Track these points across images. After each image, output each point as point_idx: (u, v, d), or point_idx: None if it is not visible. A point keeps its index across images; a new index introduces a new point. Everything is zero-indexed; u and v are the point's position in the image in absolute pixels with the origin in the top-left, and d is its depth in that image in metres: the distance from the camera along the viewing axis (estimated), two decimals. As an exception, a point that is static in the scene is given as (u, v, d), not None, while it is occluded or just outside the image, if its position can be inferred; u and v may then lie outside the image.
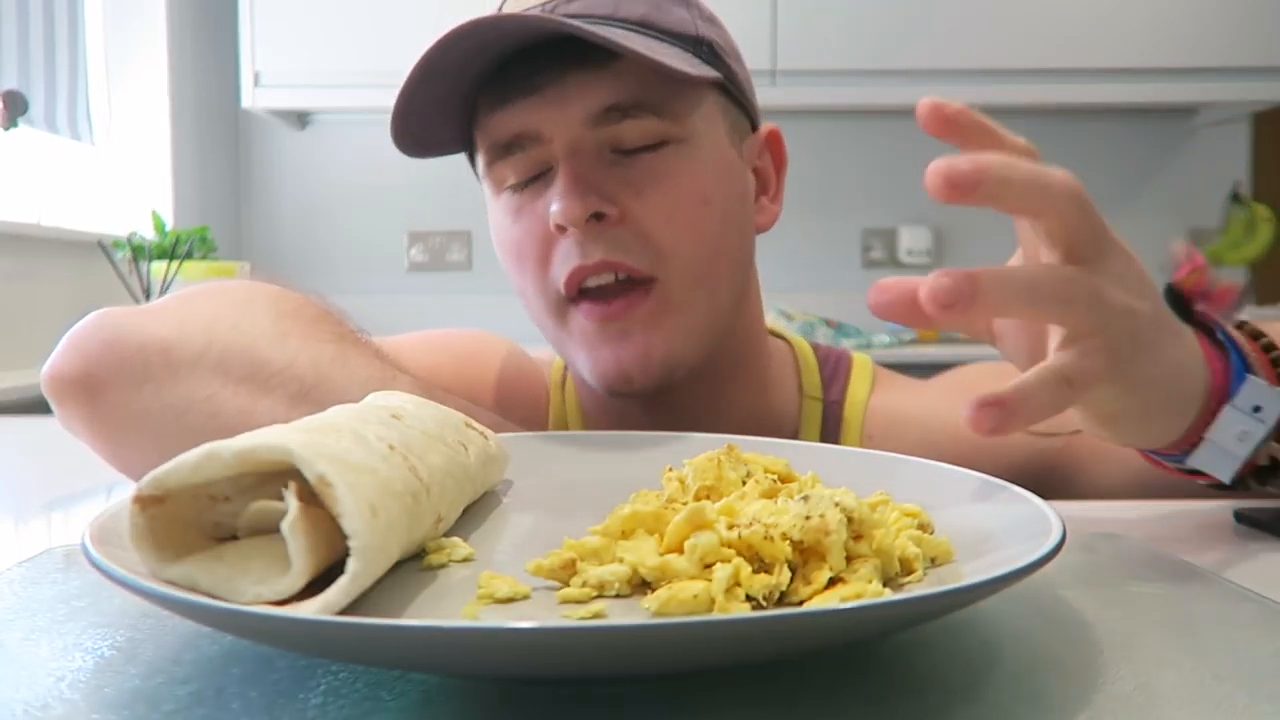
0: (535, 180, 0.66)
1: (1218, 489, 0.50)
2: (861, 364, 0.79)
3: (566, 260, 0.63)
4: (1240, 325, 0.50)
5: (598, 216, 0.62)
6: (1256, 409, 0.47)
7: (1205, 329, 0.49)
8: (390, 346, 0.74)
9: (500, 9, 0.66)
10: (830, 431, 0.75)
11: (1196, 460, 0.47)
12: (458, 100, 0.66)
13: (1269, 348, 0.49)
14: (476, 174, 0.73)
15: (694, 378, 0.69)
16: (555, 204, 0.62)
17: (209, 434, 0.57)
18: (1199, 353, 0.47)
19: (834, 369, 0.78)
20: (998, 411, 0.37)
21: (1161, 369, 0.44)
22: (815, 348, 0.81)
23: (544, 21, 0.58)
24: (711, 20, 0.69)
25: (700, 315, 0.66)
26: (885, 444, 0.72)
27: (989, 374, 0.78)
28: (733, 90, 0.69)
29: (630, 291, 0.64)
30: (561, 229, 0.63)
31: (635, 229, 0.63)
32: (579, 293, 0.64)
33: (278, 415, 0.53)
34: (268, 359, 0.57)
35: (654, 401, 0.70)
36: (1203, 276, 0.51)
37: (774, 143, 0.74)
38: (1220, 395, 0.47)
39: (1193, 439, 0.47)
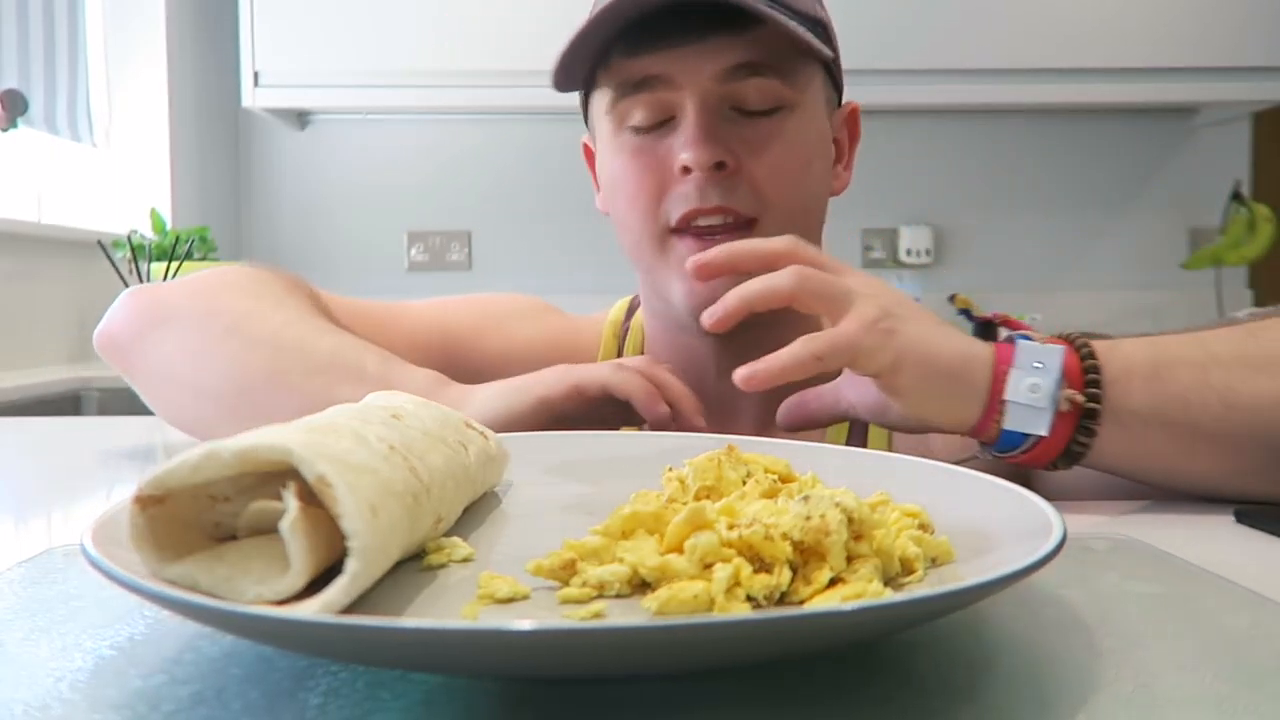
0: (659, 127, 0.72)
1: (1055, 463, 0.56)
2: None
3: (685, 200, 0.71)
4: (1069, 338, 0.57)
5: (719, 166, 0.70)
6: (1037, 365, 0.54)
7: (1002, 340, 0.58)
8: (409, 305, 0.88)
9: None
10: None
11: (1009, 423, 0.54)
12: (598, 42, 0.72)
13: (1071, 338, 0.57)
14: (585, 117, 0.81)
15: (767, 322, 0.72)
16: (687, 150, 0.69)
17: (174, 379, 0.71)
18: (986, 347, 0.56)
19: None
20: (753, 367, 0.53)
21: (928, 334, 0.54)
22: None
23: None
24: (823, 4, 0.77)
25: None
26: None
27: None
28: (833, 69, 0.78)
29: (733, 232, 0.71)
30: (687, 171, 0.70)
31: (748, 180, 0.71)
32: (688, 228, 0.71)
33: (248, 362, 0.67)
34: (253, 320, 0.69)
35: (723, 342, 0.76)
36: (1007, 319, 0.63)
37: (852, 118, 0.84)
38: (1005, 361, 0.55)
39: (995, 413, 0.54)
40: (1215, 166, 2.83)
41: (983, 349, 0.56)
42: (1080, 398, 0.54)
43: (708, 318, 0.56)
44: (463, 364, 0.80)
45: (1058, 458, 0.55)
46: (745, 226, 0.72)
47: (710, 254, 0.58)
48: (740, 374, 0.53)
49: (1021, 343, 0.55)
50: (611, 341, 0.87)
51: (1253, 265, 2.78)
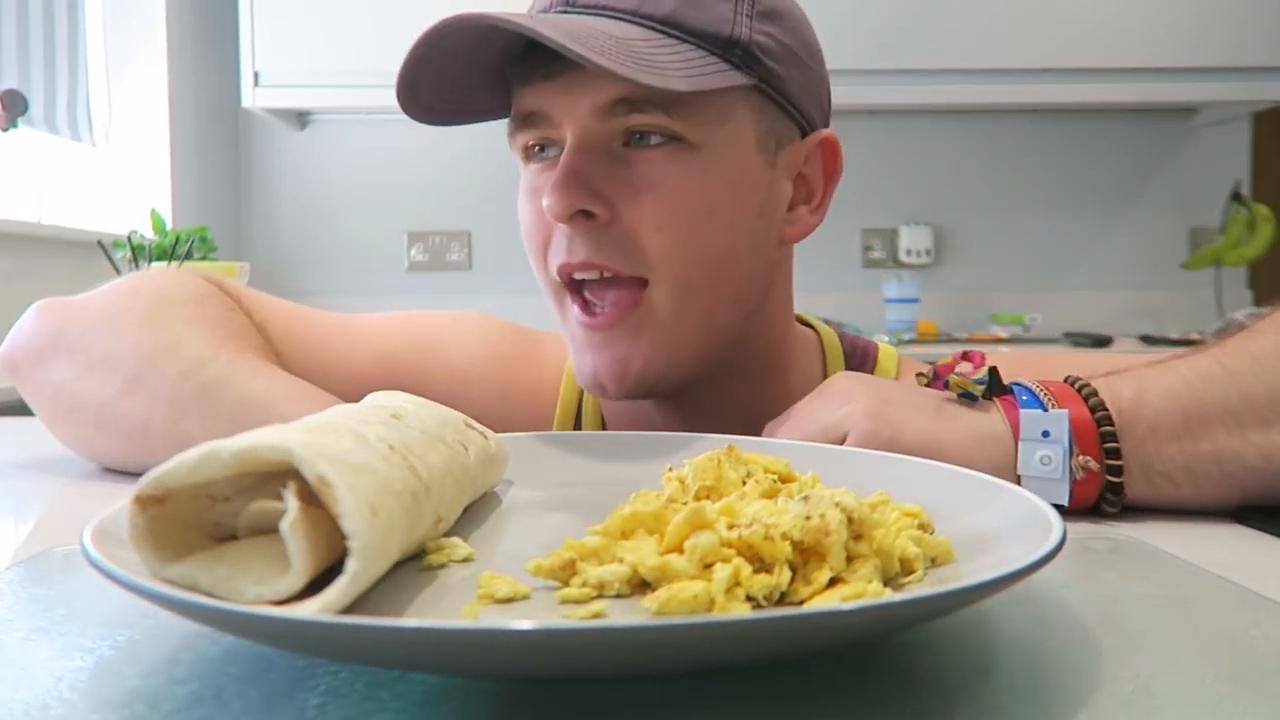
0: (548, 154, 0.66)
1: (1102, 515, 0.53)
2: (887, 354, 0.81)
3: (558, 250, 0.64)
4: (1076, 387, 0.54)
5: (586, 214, 0.61)
6: (1045, 434, 0.52)
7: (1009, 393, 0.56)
8: (354, 322, 0.79)
9: None
10: None
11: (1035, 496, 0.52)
12: (485, 75, 0.65)
13: (1073, 381, 0.54)
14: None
15: (703, 380, 0.69)
16: (546, 196, 0.61)
17: (71, 414, 0.66)
18: (997, 422, 0.54)
19: (861, 359, 0.80)
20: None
21: (938, 447, 0.52)
22: (842, 337, 0.81)
23: (517, 25, 0.57)
24: (771, 15, 0.65)
25: (690, 327, 0.65)
26: None
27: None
28: (775, 96, 0.65)
29: (620, 288, 0.63)
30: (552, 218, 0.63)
31: (625, 232, 0.62)
32: (572, 283, 0.64)
33: (122, 404, 0.62)
34: (133, 353, 0.63)
35: (665, 400, 0.71)
36: (954, 362, 0.59)
37: (828, 150, 0.70)
38: (1016, 433, 0.53)
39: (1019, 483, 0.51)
40: (1215, 166, 2.83)
41: (995, 426, 0.54)
42: (1095, 465, 0.52)
43: None
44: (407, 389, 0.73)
45: (1094, 510, 0.53)
46: (632, 287, 0.63)
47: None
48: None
49: (1025, 412, 0.53)
50: (570, 382, 0.79)
51: (1253, 265, 2.78)
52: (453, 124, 0.69)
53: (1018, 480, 0.52)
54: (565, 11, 0.64)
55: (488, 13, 0.58)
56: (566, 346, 0.80)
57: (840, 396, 0.57)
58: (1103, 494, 0.53)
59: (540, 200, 0.63)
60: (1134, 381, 0.54)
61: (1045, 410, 0.53)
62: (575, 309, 0.65)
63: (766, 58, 0.64)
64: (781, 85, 0.65)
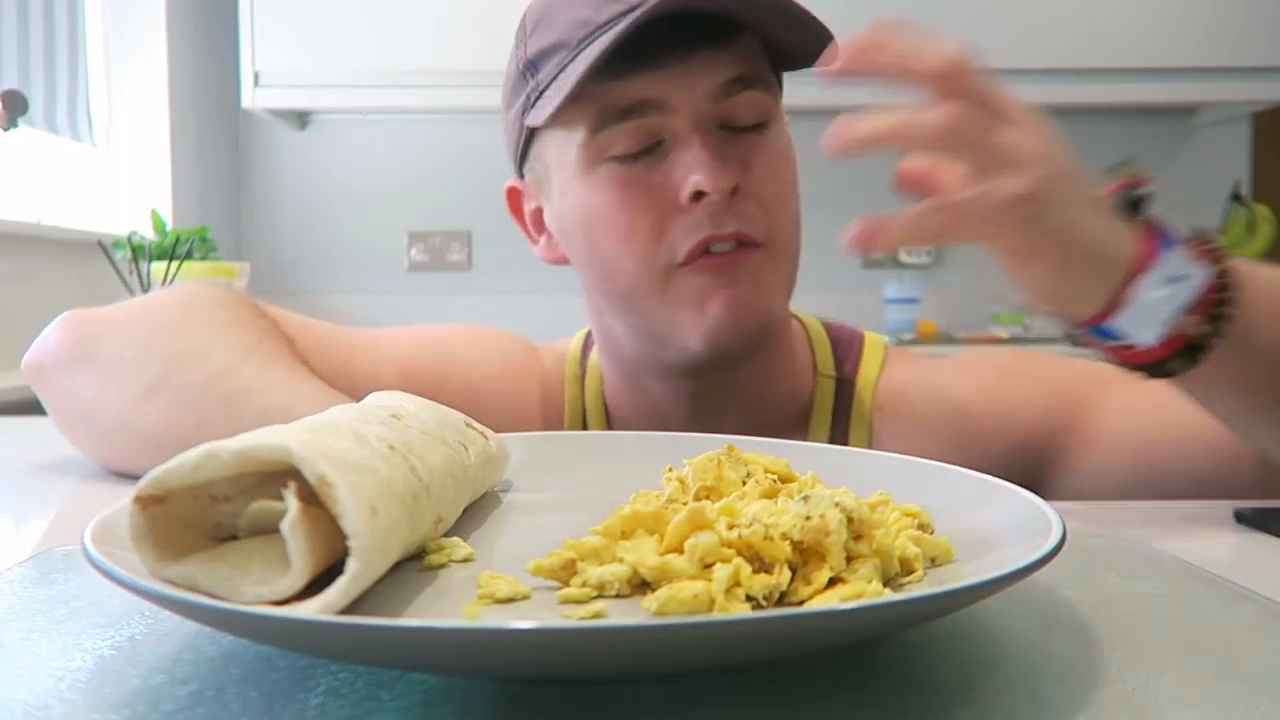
0: (645, 154, 0.67)
1: (1144, 369, 0.53)
2: (874, 342, 0.82)
3: (696, 229, 0.66)
4: (1215, 253, 0.52)
5: (733, 190, 0.66)
6: (1176, 278, 0.50)
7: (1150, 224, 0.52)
8: (377, 336, 0.80)
9: None
10: (841, 407, 0.78)
11: (1119, 322, 0.51)
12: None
13: (1217, 255, 0.52)
14: (522, 157, 0.75)
15: (738, 358, 0.71)
16: (700, 174, 0.64)
17: (93, 421, 0.65)
18: (1128, 243, 0.51)
19: (846, 347, 0.81)
20: (872, 222, 0.45)
21: (1074, 223, 0.49)
22: (828, 326, 0.83)
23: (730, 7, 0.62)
24: None
25: (787, 282, 0.71)
26: (894, 416, 0.75)
27: (1002, 355, 0.80)
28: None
29: (745, 253, 0.67)
30: (697, 198, 0.65)
31: (755, 202, 0.67)
32: (698, 257, 0.67)
33: (146, 409, 0.62)
34: (160, 356, 0.63)
35: (681, 387, 0.73)
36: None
37: None
38: (1144, 265, 0.50)
39: (1113, 306, 0.50)
40: (1215, 166, 2.83)
41: (1124, 246, 0.51)
42: (1197, 330, 0.50)
43: (830, 141, 0.49)
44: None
45: (1148, 366, 0.52)
46: (753, 249, 0.68)
47: (867, 128, 0.51)
48: (853, 233, 0.48)
49: (1166, 253, 0.50)
50: (574, 384, 0.81)
51: (1253, 265, 2.78)
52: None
53: (1115, 300, 0.50)
54: None
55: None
56: (563, 360, 0.82)
57: (1028, 130, 0.49)
58: (1177, 353, 0.51)
59: (642, 190, 0.66)
60: (1256, 267, 0.53)
61: (1179, 255, 0.51)
62: (699, 275, 0.67)
63: None
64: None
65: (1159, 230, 0.52)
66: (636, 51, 0.62)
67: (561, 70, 0.65)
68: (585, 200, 0.69)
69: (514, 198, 0.79)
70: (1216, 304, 0.51)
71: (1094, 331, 0.53)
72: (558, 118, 0.66)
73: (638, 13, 0.61)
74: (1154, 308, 0.50)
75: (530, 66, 0.69)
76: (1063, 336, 0.55)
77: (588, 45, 0.64)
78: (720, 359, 0.70)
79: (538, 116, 0.67)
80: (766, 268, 0.68)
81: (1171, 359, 0.52)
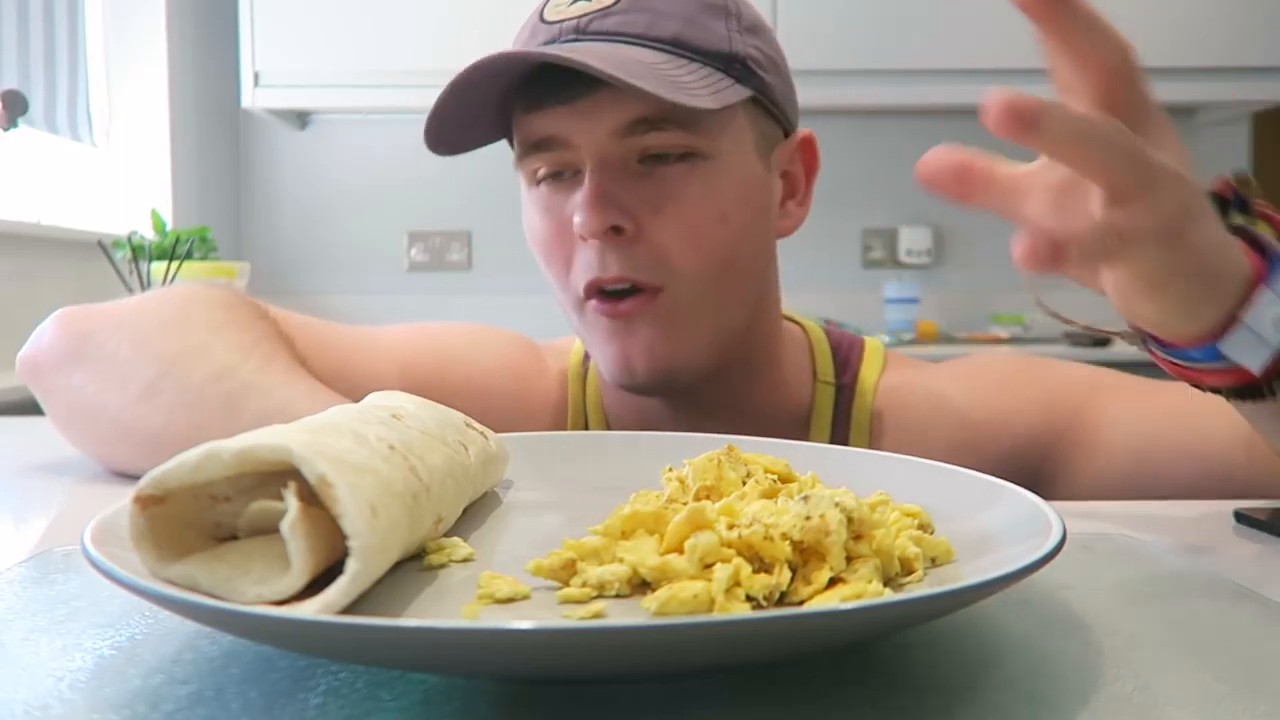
0: (563, 177, 0.69)
1: (1230, 394, 0.49)
2: (873, 347, 0.82)
3: (587, 269, 0.67)
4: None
5: (616, 230, 0.65)
6: None
7: (1240, 233, 0.48)
8: (377, 335, 0.80)
9: (541, 11, 0.69)
10: (841, 413, 0.78)
11: (1228, 346, 0.46)
12: (491, 106, 0.69)
13: None
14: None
15: (709, 377, 0.71)
16: (578, 215, 0.65)
17: (90, 419, 0.65)
18: (1242, 260, 0.46)
19: (847, 353, 0.80)
20: (1048, 242, 0.37)
21: (1206, 242, 0.44)
22: (828, 332, 0.83)
23: (564, 59, 0.61)
24: (754, 29, 0.70)
25: (706, 327, 0.69)
26: (893, 420, 0.75)
27: (1000, 361, 0.80)
28: (765, 103, 0.70)
29: (639, 294, 0.67)
30: (584, 237, 0.66)
31: (650, 245, 0.66)
32: (599, 293, 0.68)
33: (143, 408, 0.61)
34: (158, 356, 0.63)
35: (672, 398, 0.73)
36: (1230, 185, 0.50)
37: (806, 148, 0.76)
38: (1257, 284, 0.46)
39: (1222, 327, 0.46)
40: (1215, 166, 2.82)
41: (1239, 264, 0.46)
42: None
43: (995, 111, 0.40)
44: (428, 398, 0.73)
45: (1234, 389, 0.49)
46: (650, 296, 0.67)
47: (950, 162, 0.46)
48: (1026, 249, 0.37)
49: (1276, 269, 0.46)
50: (576, 383, 0.82)
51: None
52: (453, 154, 0.73)
53: (1225, 326, 0.46)
54: (578, 39, 0.66)
55: (525, 50, 0.63)
56: (566, 357, 0.82)
57: (1170, 152, 0.44)
58: (1275, 379, 0.47)
59: (557, 219, 0.68)
60: None
61: None
62: (597, 311, 0.68)
63: (758, 69, 0.69)
64: (770, 93, 0.70)
65: (1257, 242, 0.47)
66: (554, 85, 0.64)
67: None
68: (527, 216, 0.73)
69: None
70: None
71: (1182, 354, 0.48)
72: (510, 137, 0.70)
73: (531, 56, 0.63)
74: (1268, 329, 0.46)
75: None
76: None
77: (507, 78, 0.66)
78: (645, 391, 0.71)
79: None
80: (664, 316, 0.67)
81: (1268, 385, 0.48)
